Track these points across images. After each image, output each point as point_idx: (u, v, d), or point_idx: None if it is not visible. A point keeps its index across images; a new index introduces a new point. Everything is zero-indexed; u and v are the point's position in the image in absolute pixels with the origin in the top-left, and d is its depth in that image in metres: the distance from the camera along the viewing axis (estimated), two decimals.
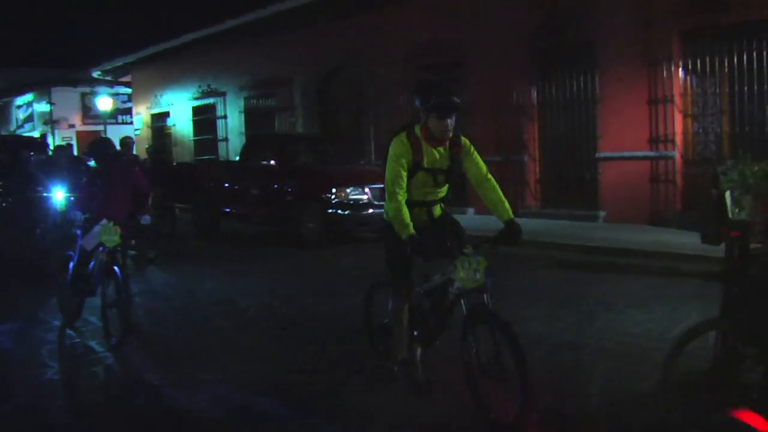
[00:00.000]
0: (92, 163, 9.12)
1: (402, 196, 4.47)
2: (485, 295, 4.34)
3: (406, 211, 4.43)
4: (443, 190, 4.83)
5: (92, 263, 6.94)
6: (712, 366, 4.35)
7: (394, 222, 4.47)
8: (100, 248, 6.79)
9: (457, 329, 4.57)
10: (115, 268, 6.62)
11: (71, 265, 7.13)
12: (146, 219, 7.47)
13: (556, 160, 14.22)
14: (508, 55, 14.19)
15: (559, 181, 14.15)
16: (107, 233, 6.68)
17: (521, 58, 14.10)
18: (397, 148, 4.55)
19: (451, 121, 4.46)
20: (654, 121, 12.32)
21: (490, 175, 4.73)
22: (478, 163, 4.73)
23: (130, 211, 7.32)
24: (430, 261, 4.54)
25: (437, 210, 4.89)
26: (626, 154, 12.67)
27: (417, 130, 4.59)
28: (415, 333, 4.91)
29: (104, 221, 6.79)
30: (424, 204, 4.77)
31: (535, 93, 14.20)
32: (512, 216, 4.59)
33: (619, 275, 8.95)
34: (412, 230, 4.36)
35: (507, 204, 4.65)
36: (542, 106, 14.22)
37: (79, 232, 7.20)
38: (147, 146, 16.75)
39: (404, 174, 4.51)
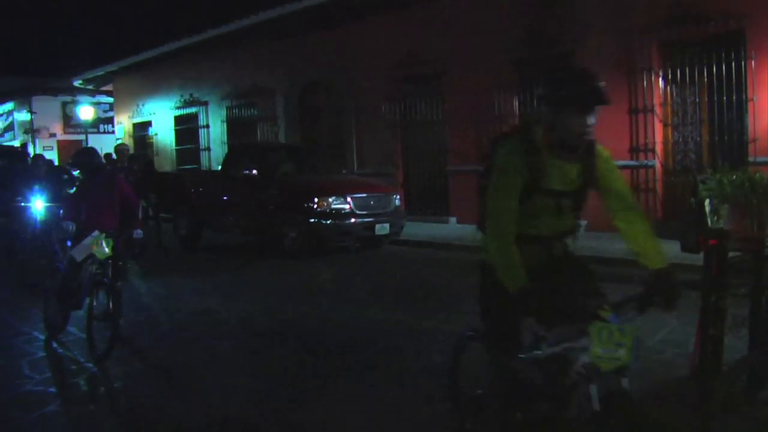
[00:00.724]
0: (77, 173, 8.99)
1: (512, 231, 3.20)
2: (624, 380, 2.89)
3: (515, 252, 3.16)
4: (569, 220, 3.53)
5: (81, 275, 6.74)
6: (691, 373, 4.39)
7: (497, 266, 3.18)
8: (89, 260, 6.64)
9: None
10: (105, 280, 6.48)
11: (59, 277, 6.98)
12: (139, 233, 7.28)
13: None
14: (489, 65, 14.26)
15: None
16: (98, 245, 6.51)
17: (503, 68, 14.17)
18: (508, 160, 3.23)
19: (592, 119, 3.14)
20: (634, 130, 12.43)
21: (635, 201, 3.47)
22: (621, 183, 3.42)
23: (119, 222, 7.15)
24: (551, 327, 3.15)
25: (560, 248, 3.52)
26: None
27: (537, 134, 3.27)
28: (518, 415, 3.43)
29: (96, 233, 6.60)
30: (543, 239, 3.43)
31: (517, 103, 14.27)
32: (665, 263, 3.18)
33: (599, 283, 8.96)
34: (524, 281, 3.06)
35: (660, 245, 3.30)
36: (524, 115, 14.29)
37: (69, 242, 7.03)
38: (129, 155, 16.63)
39: (516, 199, 3.21)
